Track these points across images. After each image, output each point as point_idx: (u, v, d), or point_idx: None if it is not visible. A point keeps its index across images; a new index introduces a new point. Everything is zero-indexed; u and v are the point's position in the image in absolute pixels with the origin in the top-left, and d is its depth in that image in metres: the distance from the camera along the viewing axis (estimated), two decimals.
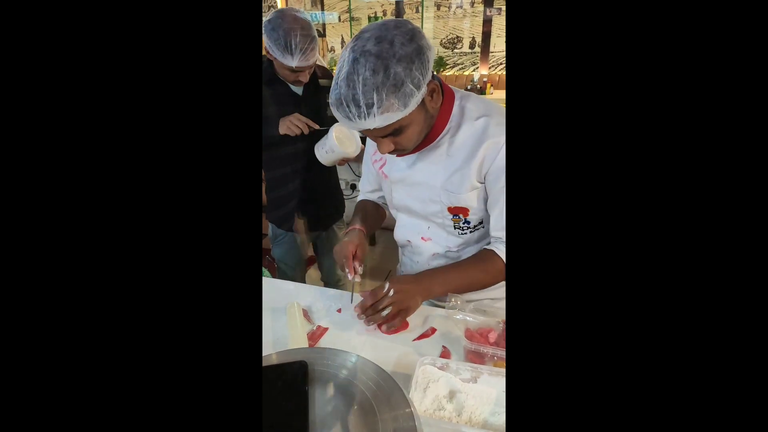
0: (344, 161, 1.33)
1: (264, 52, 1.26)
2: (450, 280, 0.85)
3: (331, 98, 0.71)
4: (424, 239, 0.94)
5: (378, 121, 0.68)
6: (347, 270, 0.88)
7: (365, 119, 0.68)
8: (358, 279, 0.89)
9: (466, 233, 0.89)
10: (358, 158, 1.30)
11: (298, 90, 1.35)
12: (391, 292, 0.80)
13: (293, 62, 1.21)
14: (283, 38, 1.18)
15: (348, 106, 0.68)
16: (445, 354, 0.78)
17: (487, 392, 0.64)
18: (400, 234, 0.99)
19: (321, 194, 1.49)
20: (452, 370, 0.67)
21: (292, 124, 1.26)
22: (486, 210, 0.86)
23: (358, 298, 0.90)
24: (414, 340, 0.81)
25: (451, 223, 0.88)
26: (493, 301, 0.96)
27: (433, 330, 0.84)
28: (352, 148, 1.29)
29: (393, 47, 0.66)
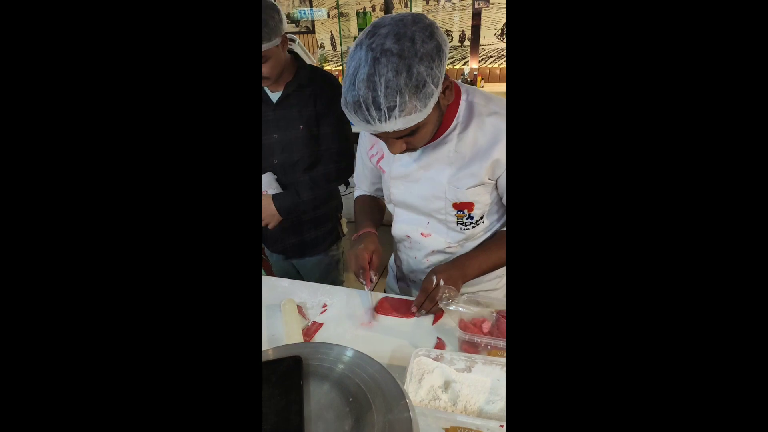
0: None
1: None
2: (482, 262, 0.87)
3: (347, 100, 0.67)
4: (424, 235, 0.92)
5: (399, 123, 0.65)
6: (363, 281, 0.87)
7: (386, 122, 0.65)
8: (375, 280, 0.89)
9: (468, 228, 0.88)
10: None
11: (273, 96, 1.16)
12: (442, 282, 0.80)
13: None
14: None
15: (368, 110, 0.64)
16: (439, 345, 0.78)
17: (481, 381, 0.65)
18: (398, 229, 0.97)
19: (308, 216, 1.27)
20: (447, 361, 0.67)
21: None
22: (489, 204, 0.86)
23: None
24: (434, 323, 0.85)
25: (455, 219, 0.87)
26: (487, 293, 0.96)
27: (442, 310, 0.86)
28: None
29: (414, 45, 0.63)
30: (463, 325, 0.76)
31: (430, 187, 0.85)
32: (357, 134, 1.04)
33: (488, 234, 0.92)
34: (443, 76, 0.67)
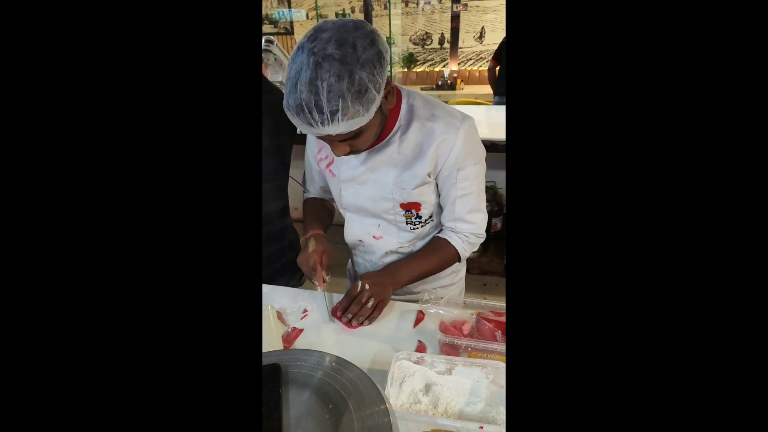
0: None
1: None
2: (413, 269, 0.90)
3: (288, 103, 0.67)
4: (376, 237, 0.95)
5: (342, 127, 0.67)
6: (316, 282, 0.88)
7: (328, 125, 0.66)
8: (327, 280, 0.89)
9: (417, 227, 0.92)
10: None
11: None
12: (367, 287, 0.83)
13: None
14: None
15: (310, 113, 0.65)
16: (420, 348, 0.78)
17: (462, 383, 0.65)
18: (351, 235, 0.99)
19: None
20: (427, 364, 0.67)
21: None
22: (437, 203, 0.90)
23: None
24: (415, 326, 0.84)
25: (404, 219, 0.90)
26: (444, 288, 1.01)
27: (422, 312, 0.86)
28: None
29: (356, 52, 0.65)
30: (444, 328, 0.77)
31: (377, 188, 0.87)
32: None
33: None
34: (384, 81, 0.69)
